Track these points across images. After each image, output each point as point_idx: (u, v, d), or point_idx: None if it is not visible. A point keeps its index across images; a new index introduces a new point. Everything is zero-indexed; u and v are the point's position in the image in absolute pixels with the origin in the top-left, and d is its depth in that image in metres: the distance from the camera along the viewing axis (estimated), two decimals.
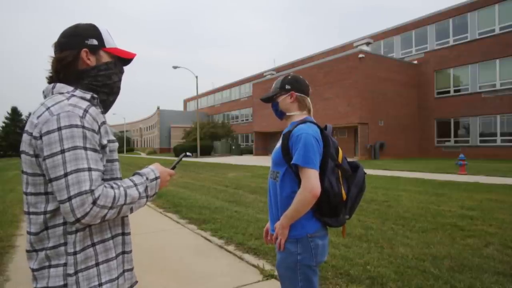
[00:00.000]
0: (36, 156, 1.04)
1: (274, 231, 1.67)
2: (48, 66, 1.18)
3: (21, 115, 56.78)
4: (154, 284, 3.16)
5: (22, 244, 4.41)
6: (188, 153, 1.52)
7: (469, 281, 2.97)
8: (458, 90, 22.81)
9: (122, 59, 1.28)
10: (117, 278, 1.14)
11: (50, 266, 1.05)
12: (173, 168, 1.32)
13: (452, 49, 22.73)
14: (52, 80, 1.18)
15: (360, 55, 21.01)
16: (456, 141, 22.78)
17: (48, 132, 1.00)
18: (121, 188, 1.06)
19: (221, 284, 3.16)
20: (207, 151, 34.82)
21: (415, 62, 24.61)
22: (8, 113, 56.07)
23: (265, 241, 1.88)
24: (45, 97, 1.14)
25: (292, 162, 1.56)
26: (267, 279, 3.21)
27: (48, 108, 1.04)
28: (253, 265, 3.55)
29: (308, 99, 1.80)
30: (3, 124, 55.95)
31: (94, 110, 1.10)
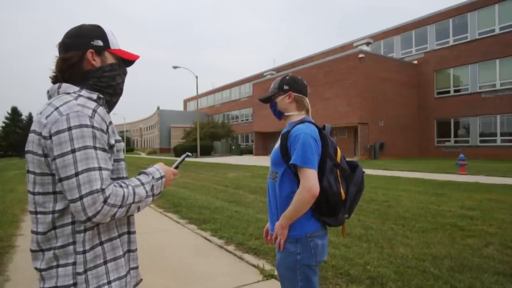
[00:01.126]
0: (45, 155, 1.04)
1: (274, 231, 1.67)
2: (52, 66, 1.18)
3: (21, 115, 56.81)
4: (154, 284, 3.16)
5: (22, 244, 4.41)
6: (188, 154, 1.53)
7: (469, 281, 2.97)
8: (458, 90, 22.81)
9: (126, 61, 1.29)
10: (125, 275, 1.16)
11: (58, 266, 1.05)
12: (176, 167, 1.34)
13: (452, 49, 22.73)
14: (56, 79, 1.19)
15: (360, 55, 21.01)
16: (456, 141, 22.77)
17: (58, 132, 1.00)
18: (130, 187, 1.08)
19: (221, 284, 3.16)
20: (207, 151, 34.81)
21: (415, 62, 24.61)
22: (8, 113, 56.12)
23: (265, 241, 1.88)
24: (50, 97, 1.15)
25: (291, 162, 1.56)
26: (267, 279, 3.21)
27: (56, 108, 1.04)
28: (253, 265, 3.55)
29: (307, 99, 1.80)
30: (3, 124, 55.98)
31: (102, 110, 1.12)
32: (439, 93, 23.74)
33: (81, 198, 0.97)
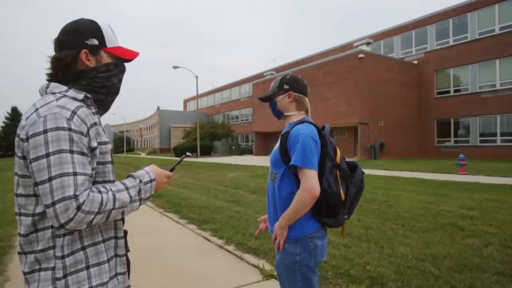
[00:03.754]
0: (24, 158, 1.02)
1: (273, 232, 1.67)
2: (48, 64, 1.16)
3: (21, 115, 56.56)
4: (154, 284, 3.16)
5: None
6: (188, 153, 1.51)
7: (469, 281, 2.97)
8: (458, 90, 22.80)
9: (124, 58, 1.25)
10: (107, 282, 1.11)
11: (40, 270, 1.03)
12: (172, 169, 1.28)
13: (452, 49, 22.72)
14: (51, 77, 1.16)
15: (360, 55, 21.00)
16: (456, 141, 22.77)
17: (34, 135, 0.97)
18: (110, 193, 1.03)
19: (221, 284, 3.16)
20: (207, 151, 34.81)
21: (415, 62, 24.60)
22: (8, 113, 56.06)
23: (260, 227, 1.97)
24: (41, 96, 1.12)
25: (291, 163, 1.56)
26: (267, 279, 3.21)
27: (36, 110, 1.02)
28: (253, 265, 3.55)
29: (306, 99, 1.80)
30: (3, 124, 55.91)
31: (84, 111, 1.06)
32: (439, 93, 23.74)
33: (53, 204, 0.94)
